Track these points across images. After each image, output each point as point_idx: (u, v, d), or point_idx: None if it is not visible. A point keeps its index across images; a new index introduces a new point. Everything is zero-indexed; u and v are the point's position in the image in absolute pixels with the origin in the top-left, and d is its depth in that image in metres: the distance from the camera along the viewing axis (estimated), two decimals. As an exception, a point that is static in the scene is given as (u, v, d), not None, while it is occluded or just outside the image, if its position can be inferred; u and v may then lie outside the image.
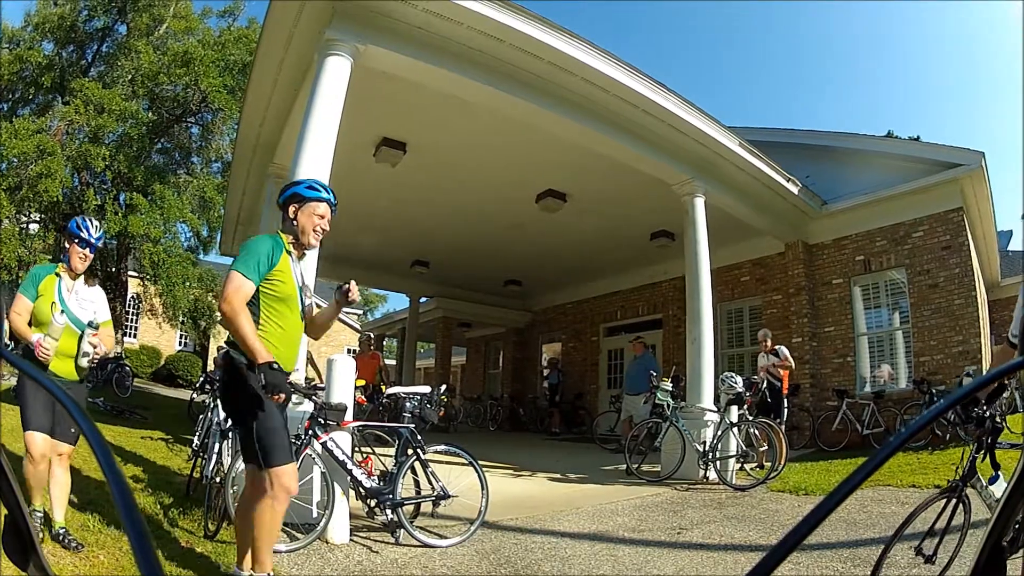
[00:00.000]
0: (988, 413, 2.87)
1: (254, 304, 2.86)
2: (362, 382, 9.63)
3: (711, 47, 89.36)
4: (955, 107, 72.23)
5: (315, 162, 5.38)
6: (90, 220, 3.66)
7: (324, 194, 3.14)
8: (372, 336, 11.61)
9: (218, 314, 3.24)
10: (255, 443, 2.75)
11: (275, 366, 2.70)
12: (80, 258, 3.61)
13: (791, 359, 8.76)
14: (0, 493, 0.64)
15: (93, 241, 3.62)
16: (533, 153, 8.69)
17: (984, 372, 3.27)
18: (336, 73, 5.66)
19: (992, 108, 68.40)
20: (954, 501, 2.95)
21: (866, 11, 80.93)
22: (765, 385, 8.31)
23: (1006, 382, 3.22)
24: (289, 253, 3.00)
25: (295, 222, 3.08)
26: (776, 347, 8.73)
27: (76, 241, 3.59)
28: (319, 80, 5.62)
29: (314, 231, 3.09)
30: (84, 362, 3.53)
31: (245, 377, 2.76)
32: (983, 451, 2.93)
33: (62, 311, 3.45)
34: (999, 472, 2.99)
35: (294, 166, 5.40)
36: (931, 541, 3.00)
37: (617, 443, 10.31)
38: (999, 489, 2.94)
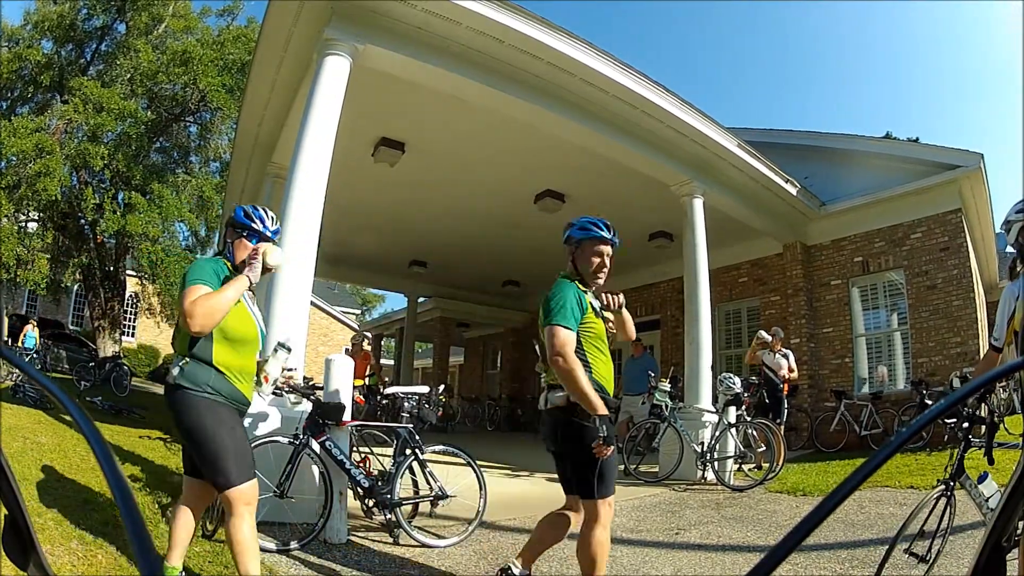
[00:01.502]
0: (971, 411, 2.90)
1: (579, 350, 2.85)
2: (360, 382, 9.62)
3: (695, 45, 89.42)
4: (948, 107, 72.35)
5: (314, 162, 5.38)
6: (264, 209, 2.92)
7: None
8: (369, 336, 11.60)
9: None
10: (595, 478, 2.79)
11: (608, 417, 2.75)
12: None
13: (796, 368, 8.72)
14: (0, 493, 0.64)
15: (270, 235, 2.89)
16: (532, 153, 8.69)
17: (972, 377, 3.32)
18: (335, 73, 5.66)
19: (986, 108, 68.51)
20: (944, 500, 2.98)
21: (852, 11, 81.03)
22: (763, 382, 8.31)
23: (1003, 383, 3.30)
24: (585, 292, 2.99)
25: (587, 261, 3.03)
26: (786, 351, 8.68)
27: (245, 234, 2.85)
28: (318, 80, 5.62)
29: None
30: (269, 390, 3.03)
31: (586, 432, 2.79)
32: (969, 448, 2.97)
33: (287, 347, 2.98)
34: (988, 472, 3.02)
35: (293, 166, 5.40)
36: (921, 541, 3.01)
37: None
38: (988, 488, 2.96)
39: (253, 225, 2.85)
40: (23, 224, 16.09)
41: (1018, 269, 2.88)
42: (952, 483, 2.97)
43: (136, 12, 16.98)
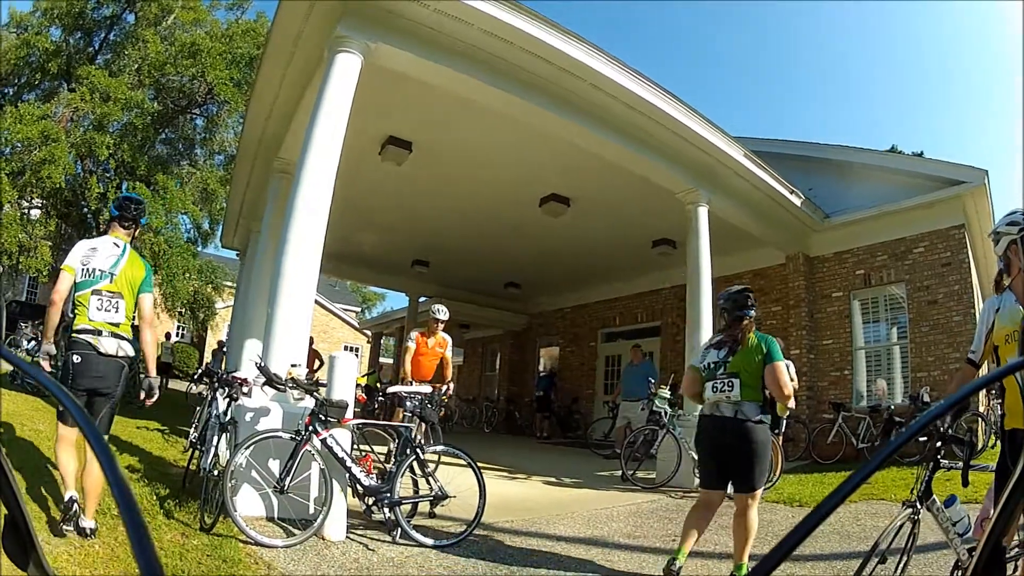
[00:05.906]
0: (945, 429, 2.85)
1: None
2: (363, 379, 9.53)
3: (704, 53, 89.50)
4: (953, 121, 72.33)
5: (322, 159, 5.39)
6: None
7: None
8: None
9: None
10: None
11: None
12: None
13: (795, 378, 8.71)
14: (0, 492, 0.64)
15: None
16: (538, 156, 8.70)
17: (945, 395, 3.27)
18: (346, 70, 5.66)
19: (992, 122, 68.48)
20: (909, 525, 2.90)
21: (861, 21, 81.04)
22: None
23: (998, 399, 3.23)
24: None
25: None
26: (787, 361, 8.65)
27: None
28: (328, 77, 5.62)
29: None
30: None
31: None
32: (938, 469, 2.92)
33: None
34: (955, 495, 2.97)
35: (301, 162, 5.41)
36: (884, 567, 2.94)
37: (611, 449, 10.32)
38: (956, 513, 2.91)
39: None
40: (26, 211, 16.09)
41: (1004, 283, 2.83)
42: (919, 506, 2.89)
43: (146, 2, 17.02)
